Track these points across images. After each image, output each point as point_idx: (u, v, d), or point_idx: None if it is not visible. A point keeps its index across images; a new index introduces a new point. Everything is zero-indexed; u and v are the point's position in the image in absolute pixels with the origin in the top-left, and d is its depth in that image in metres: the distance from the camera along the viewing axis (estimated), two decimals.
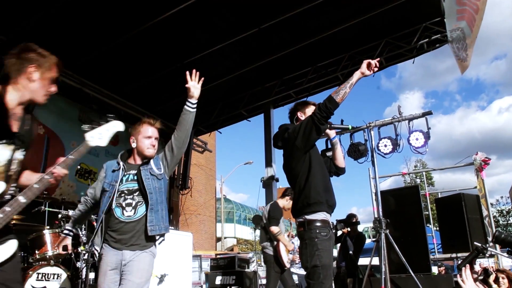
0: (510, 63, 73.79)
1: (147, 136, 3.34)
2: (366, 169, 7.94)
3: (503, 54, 77.79)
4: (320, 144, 4.28)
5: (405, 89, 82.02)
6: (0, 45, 6.32)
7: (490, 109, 72.22)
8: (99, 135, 2.54)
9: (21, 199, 2.19)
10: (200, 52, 7.75)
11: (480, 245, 2.46)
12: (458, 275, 2.35)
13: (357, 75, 3.39)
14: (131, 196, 3.23)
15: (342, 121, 7.01)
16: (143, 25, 6.74)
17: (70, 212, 5.02)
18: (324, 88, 9.27)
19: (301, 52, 8.20)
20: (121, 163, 3.35)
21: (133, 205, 3.20)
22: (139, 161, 3.38)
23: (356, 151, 6.83)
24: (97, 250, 3.41)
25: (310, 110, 3.77)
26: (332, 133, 3.97)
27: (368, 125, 6.70)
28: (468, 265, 2.32)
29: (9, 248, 2.22)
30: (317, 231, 3.33)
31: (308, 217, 3.40)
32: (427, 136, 6.53)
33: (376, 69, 3.38)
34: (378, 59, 3.52)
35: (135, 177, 3.29)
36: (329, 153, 4.21)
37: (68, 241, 3.35)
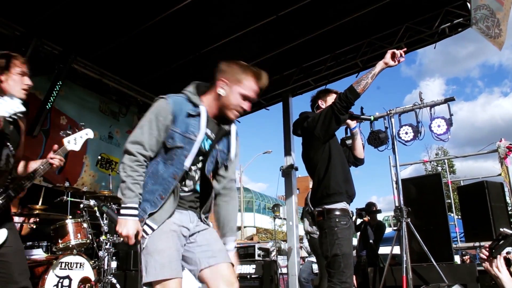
0: None
1: (245, 95, 2.38)
2: (386, 157, 7.84)
3: None
4: (340, 133, 4.22)
5: (426, 76, 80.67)
6: (18, 38, 6.41)
7: None
8: (74, 141, 2.91)
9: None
10: (217, 41, 7.72)
11: None
12: (485, 263, 2.28)
13: (380, 65, 3.31)
14: (194, 167, 2.41)
15: (362, 108, 6.90)
16: (160, 15, 6.74)
17: (91, 202, 5.09)
18: (343, 76, 9.14)
19: (320, 40, 8.08)
20: (202, 108, 2.37)
21: (195, 179, 2.42)
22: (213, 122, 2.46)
23: (376, 139, 6.73)
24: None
25: (331, 98, 3.75)
26: (352, 123, 3.93)
27: (388, 112, 6.58)
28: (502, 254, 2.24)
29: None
30: (337, 220, 3.32)
31: (328, 206, 3.39)
32: (449, 123, 6.40)
33: (402, 59, 3.29)
34: (405, 49, 3.43)
35: (210, 143, 2.43)
36: (349, 142, 4.16)
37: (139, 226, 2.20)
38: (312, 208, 3.67)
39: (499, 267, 2.18)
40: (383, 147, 6.72)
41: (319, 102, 3.88)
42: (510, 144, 7.31)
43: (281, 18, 7.20)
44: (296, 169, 9.29)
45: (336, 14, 7.47)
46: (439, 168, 31.29)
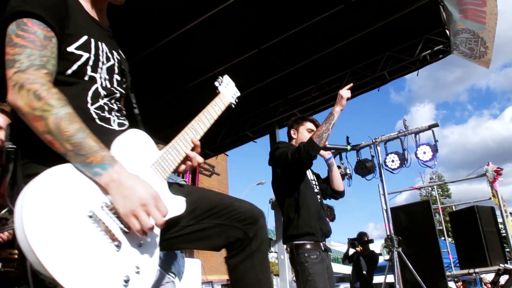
0: None
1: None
2: (378, 184, 7.79)
3: (511, 61, 77.36)
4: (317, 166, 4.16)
5: (416, 102, 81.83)
6: None
7: (503, 117, 71.63)
8: None
9: None
10: (202, 76, 7.74)
11: None
12: None
13: (337, 113, 3.28)
14: None
15: (347, 138, 6.90)
16: (143, 53, 6.75)
17: None
18: (328, 106, 9.17)
19: (303, 71, 8.14)
20: None
21: None
22: None
23: (363, 168, 6.70)
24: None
25: (303, 128, 3.72)
26: (327, 153, 3.80)
27: (374, 140, 6.58)
28: None
29: None
30: (306, 255, 3.23)
31: (296, 242, 3.30)
32: (434, 149, 6.39)
33: (349, 95, 3.31)
34: (351, 84, 3.46)
35: None
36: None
37: None
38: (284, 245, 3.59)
39: None
40: (370, 176, 6.68)
41: (292, 132, 3.81)
42: (498, 168, 7.31)
43: (263, 51, 7.25)
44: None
45: (318, 45, 7.56)
46: (434, 193, 31.30)
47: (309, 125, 3.73)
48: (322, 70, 8.42)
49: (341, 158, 7.79)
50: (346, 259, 8.59)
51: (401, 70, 8.34)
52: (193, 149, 1.75)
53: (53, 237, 1.12)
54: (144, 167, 1.51)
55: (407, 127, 6.42)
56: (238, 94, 2.23)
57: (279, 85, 8.53)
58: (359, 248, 8.02)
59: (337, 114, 3.28)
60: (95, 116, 1.49)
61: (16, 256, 4.88)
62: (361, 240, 7.93)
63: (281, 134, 9.67)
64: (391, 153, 6.57)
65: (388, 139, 6.42)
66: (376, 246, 10.42)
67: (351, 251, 8.10)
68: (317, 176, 3.92)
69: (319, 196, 3.66)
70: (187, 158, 1.72)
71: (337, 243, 32.71)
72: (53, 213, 1.15)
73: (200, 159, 1.76)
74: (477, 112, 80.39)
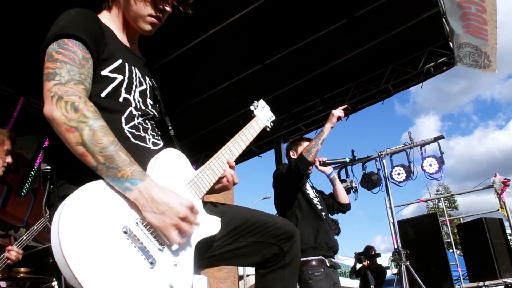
0: None
1: None
2: (384, 197, 7.75)
3: None
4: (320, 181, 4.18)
5: (421, 114, 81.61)
6: (7, 98, 6.44)
7: (509, 127, 71.17)
8: None
9: None
10: (206, 92, 7.79)
11: None
12: None
13: (328, 129, 3.45)
14: None
15: (353, 151, 6.91)
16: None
17: None
18: None
19: (308, 85, 8.18)
20: None
21: None
22: None
23: (369, 181, 6.66)
24: None
25: (301, 148, 3.79)
26: (327, 169, 3.96)
27: (379, 153, 6.57)
28: None
29: None
30: (310, 272, 3.24)
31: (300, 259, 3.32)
32: (440, 161, 6.36)
33: (342, 115, 3.52)
34: (345, 106, 3.60)
35: None
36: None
37: None
38: None
39: None
40: (376, 189, 6.64)
41: (291, 153, 3.94)
42: (505, 179, 7.26)
43: (267, 66, 7.30)
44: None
45: (322, 59, 7.60)
46: (441, 205, 31.07)
47: (306, 144, 3.78)
48: (326, 84, 8.44)
49: (346, 172, 7.78)
50: (354, 273, 8.52)
51: (405, 83, 8.35)
52: None
53: (88, 252, 1.13)
54: (180, 186, 1.54)
55: (412, 140, 6.41)
56: (274, 118, 2.36)
57: (284, 100, 8.56)
58: (366, 262, 7.95)
59: (327, 131, 3.45)
60: (129, 135, 1.53)
61: (22, 275, 4.88)
62: (368, 254, 7.88)
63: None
64: (397, 166, 6.54)
65: (393, 152, 6.39)
66: (384, 260, 10.34)
67: (358, 265, 8.03)
68: (321, 193, 4.01)
69: (323, 213, 3.71)
70: (222, 178, 1.79)
71: (344, 257, 32.44)
72: (88, 228, 1.17)
73: (236, 179, 1.83)
74: (483, 123, 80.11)
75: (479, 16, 6.51)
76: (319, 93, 8.71)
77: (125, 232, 1.25)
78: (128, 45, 1.74)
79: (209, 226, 1.59)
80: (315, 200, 3.75)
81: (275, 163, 9.43)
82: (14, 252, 2.71)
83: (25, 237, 2.67)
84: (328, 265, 3.35)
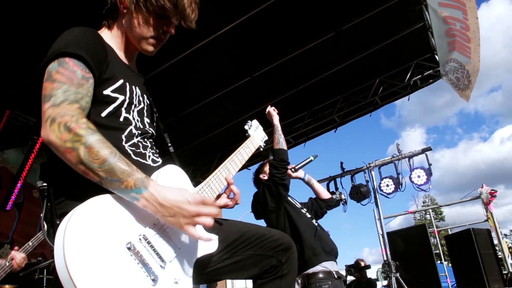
0: (506, 94, 74.84)
1: None
2: (372, 209, 7.78)
3: (498, 86, 79.00)
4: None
5: (406, 127, 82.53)
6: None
7: (493, 139, 72.35)
8: None
9: None
10: (195, 104, 7.77)
11: None
12: None
13: (278, 121, 3.66)
14: None
15: (341, 163, 6.93)
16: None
17: None
18: (321, 132, 9.22)
19: (296, 97, 8.20)
20: None
21: None
22: None
23: (358, 193, 6.70)
24: None
25: (266, 168, 3.82)
26: (300, 173, 4.05)
27: (368, 165, 6.60)
28: None
29: None
30: (317, 285, 3.20)
31: (306, 272, 3.30)
32: (428, 172, 6.42)
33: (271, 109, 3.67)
34: (273, 108, 3.76)
35: None
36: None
37: None
38: None
39: None
40: (365, 201, 6.68)
41: (261, 176, 3.87)
42: (492, 190, 7.33)
43: (256, 79, 7.31)
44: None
45: (310, 72, 7.65)
46: (428, 216, 31.26)
47: (267, 165, 3.87)
48: (314, 97, 8.48)
49: (335, 184, 7.80)
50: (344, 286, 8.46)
51: (392, 95, 8.43)
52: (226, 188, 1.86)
53: (93, 269, 1.13)
54: None
55: (400, 151, 6.46)
56: (266, 138, 2.39)
57: None
58: (356, 275, 7.92)
59: (278, 122, 3.58)
60: (130, 152, 1.54)
61: None
62: (358, 266, 7.85)
63: None
64: (385, 177, 6.58)
65: (382, 164, 6.46)
66: (372, 272, 10.32)
67: (350, 277, 8.00)
68: (304, 204, 4.03)
69: (314, 220, 3.74)
70: (221, 195, 1.83)
71: None
72: (93, 244, 1.16)
73: (239, 200, 1.84)
74: (467, 136, 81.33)
75: (463, 34, 6.63)
76: (307, 105, 8.74)
77: (129, 248, 1.24)
78: (127, 63, 1.74)
79: (208, 244, 1.60)
80: (303, 211, 3.78)
81: None
82: (19, 256, 2.67)
83: (30, 243, 2.62)
84: (335, 276, 3.34)
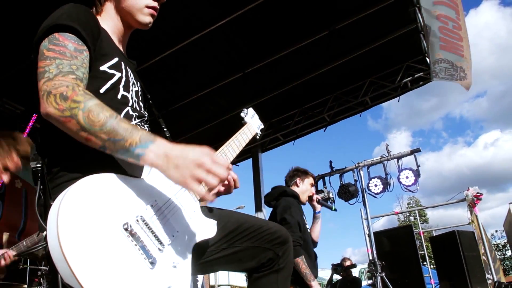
0: (490, 100, 75.76)
1: None
2: (358, 209, 7.82)
3: (483, 92, 79.86)
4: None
5: (393, 129, 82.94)
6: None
7: (477, 144, 73.25)
8: None
9: None
10: (185, 98, 7.73)
11: None
12: None
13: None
14: None
15: (330, 162, 6.93)
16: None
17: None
18: (311, 130, 9.23)
19: (287, 95, 8.21)
20: None
21: None
22: None
23: (346, 192, 6.73)
24: None
25: (308, 181, 4.24)
26: (318, 206, 4.26)
27: (357, 165, 6.63)
28: None
29: None
30: None
31: None
32: (417, 174, 6.46)
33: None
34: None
35: None
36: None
37: None
38: None
39: None
40: (353, 200, 6.72)
41: (297, 180, 4.23)
42: (478, 193, 7.42)
43: (247, 75, 7.29)
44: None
45: (302, 70, 7.65)
46: (412, 218, 31.56)
47: (311, 180, 4.30)
48: (305, 95, 8.49)
49: (324, 182, 7.83)
50: (329, 285, 8.51)
51: (382, 96, 8.48)
52: None
53: (88, 250, 1.08)
54: (177, 187, 1.48)
55: (389, 152, 6.50)
56: (262, 126, 2.33)
57: (262, 109, 8.55)
58: (342, 274, 7.96)
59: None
60: None
61: None
62: (344, 265, 7.88)
63: (264, 158, 9.66)
64: (374, 177, 6.62)
65: (371, 164, 6.49)
66: (355, 272, 10.35)
67: (336, 276, 8.03)
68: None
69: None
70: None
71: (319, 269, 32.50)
72: (88, 224, 1.11)
73: (238, 183, 1.81)
74: (452, 140, 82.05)
75: (456, 33, 6.68)
76: (298, 103, 8.75)
77: (126, 229, 1.19)
78: (120, 47, 1.70)
79: (206, 228, 1.56)
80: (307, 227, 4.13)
81: (252, 172, 9.40)
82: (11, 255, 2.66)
83: (24, 243, 2.59)
84: None
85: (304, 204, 4.18)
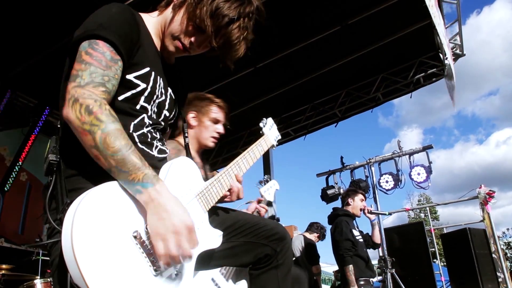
0: (503, 98, 74.68)
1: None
2: (369, 205, 7.79)
3: (496, 90, 78.84)
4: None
5: (404, 126, 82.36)
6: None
7: (488, 142, 72.49)
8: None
9: None
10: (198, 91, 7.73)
11: None
12: None
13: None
14: None
15: (341, 157, 6.92)
16: None
17: None
18: (322, 126, 9.21)
19: (299, 90, 8.19)
20: None
21: None
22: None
23: (357, 188, 6.70)
24: None
25: (358, 198, 5.23)
26: (372, 216, 5.21)
27: (368, 161, 6.60)
28: None
29: None
30: None
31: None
32: (428, 170, 6.42)
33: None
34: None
35: None
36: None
37: None
38: None
39: None
40: None
41: (349, 200, 5.24)
42: (490, 191, 7.34)
43: (259, 70, 7.28)
44: (278, 220, 9.09)
45: (314, 65, 7.62)
46: (422, 215, 31.41)
47: (361, 196, 5.30)
48: (317, 90, 8.46)
49: (335, 178, 7.81)
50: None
51: (395, 92, 8.42)
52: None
53: (98, 255, 1.14)
54: (190, 196, 1.56)
55: (401, 148, 6.46)
56: (280, 137, 2.38)
57: (274, 104, 8.55)
58: None
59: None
60: (137, 140, 1.53)
61: (3, 272, 4.78)
62: None
63: (274, 153, 9.66)
64: (385, 173, 6.58)
65: (382, 160, 6.46)
66: None
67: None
68: (360, 232, 5.20)
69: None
70: (229, 190, 1.83)
71: (325, 264, 32.47)
72: (100, 230, 1.17)
73: (242, 194, 1.87)
74: (463, 137, 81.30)
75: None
76: (309, 99, 8.72)
77: (135, 237, 1.25)
78: (159, 51, 1.69)
79: (211, 239, 1.62)
80: (357, 238, 4.98)
81: (263, 168, 9.40)
82: None
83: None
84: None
85: (359, 217, 5.20)
